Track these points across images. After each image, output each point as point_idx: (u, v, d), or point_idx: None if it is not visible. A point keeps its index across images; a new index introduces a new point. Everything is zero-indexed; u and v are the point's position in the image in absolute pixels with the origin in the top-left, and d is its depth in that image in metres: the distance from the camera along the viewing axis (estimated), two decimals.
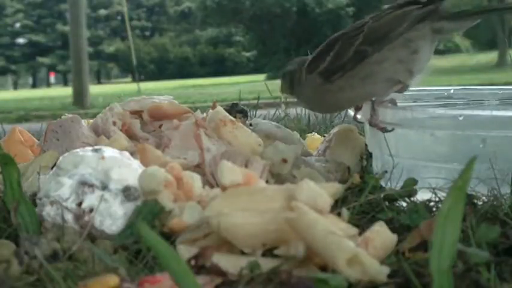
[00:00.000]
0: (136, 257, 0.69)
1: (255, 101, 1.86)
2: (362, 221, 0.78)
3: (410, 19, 0.92)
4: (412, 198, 0.84)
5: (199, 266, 0.65)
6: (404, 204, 0.84)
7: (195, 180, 0.79)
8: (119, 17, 29.49)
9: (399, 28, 0.92)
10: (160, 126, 1.04)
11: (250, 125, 1.09)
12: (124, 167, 0.79)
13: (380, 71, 0.93)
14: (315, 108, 1.09)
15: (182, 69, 26.98)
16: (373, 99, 0.96)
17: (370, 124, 0.95)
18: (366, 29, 0.93)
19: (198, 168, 0.92)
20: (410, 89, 1.00)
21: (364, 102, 1.01)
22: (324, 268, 0.62)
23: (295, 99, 1.05)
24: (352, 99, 0.99)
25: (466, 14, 0.94)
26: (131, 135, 1.02)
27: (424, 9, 0.93)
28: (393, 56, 0.93)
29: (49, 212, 0.76)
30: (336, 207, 0.75)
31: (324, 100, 0.99)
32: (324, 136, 1.19)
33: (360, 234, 0.66)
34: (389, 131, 0.93)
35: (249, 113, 1.27)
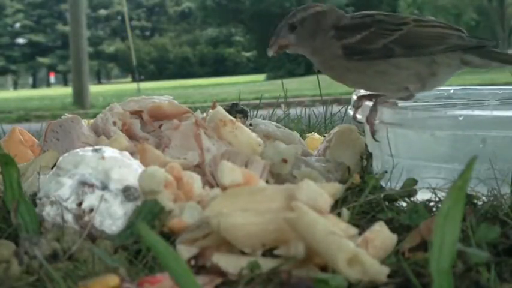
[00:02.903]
0: (136, 257, 0.69)
1: (255, 101, 1.86)
2: (362, 221, 0.78)
3: (447, 45, 0.93)
4: (412, 198, 0.84)
5: (199, 266, 0.66)
6: (404, 204, 0.84)
7: (195, 180, 0.79)
8: (119, 17, 29.49)
9: (433, 48, 0.93)
10: (160, 126, 1.04)
11: (250, 125, 1.09)
12: (124, 167, 0.79)
13: (396, 74, 0.94)
14: (319, 64, 1.02)
15: (182, 69, 26.98)
16: (377, 97, 0.97)
17: (366, 121, 0.96)
18: (405, 31, 0.93)
19: (198, 168, 0.92)
20: None
21: (365, 93, 1.02)
22: (324, 268, 0.62)
23: (292, 45, 1.01)
24: (357, 82, 1.00)
25: (499, 57, 0.95)
26: (131, 135, 1.02)
27: (465, 42, 0.93)
28: (414, 68, 0.94)
29: (49, 212, 0.76)
30: (336, 207, 0.75)
31: (333, 69, 0.99)
32: (324, 136, 1.19)
33: (360, 234, 0.66)
34: (376, 140, 0.95)
35: (249, 113, 1.27)
